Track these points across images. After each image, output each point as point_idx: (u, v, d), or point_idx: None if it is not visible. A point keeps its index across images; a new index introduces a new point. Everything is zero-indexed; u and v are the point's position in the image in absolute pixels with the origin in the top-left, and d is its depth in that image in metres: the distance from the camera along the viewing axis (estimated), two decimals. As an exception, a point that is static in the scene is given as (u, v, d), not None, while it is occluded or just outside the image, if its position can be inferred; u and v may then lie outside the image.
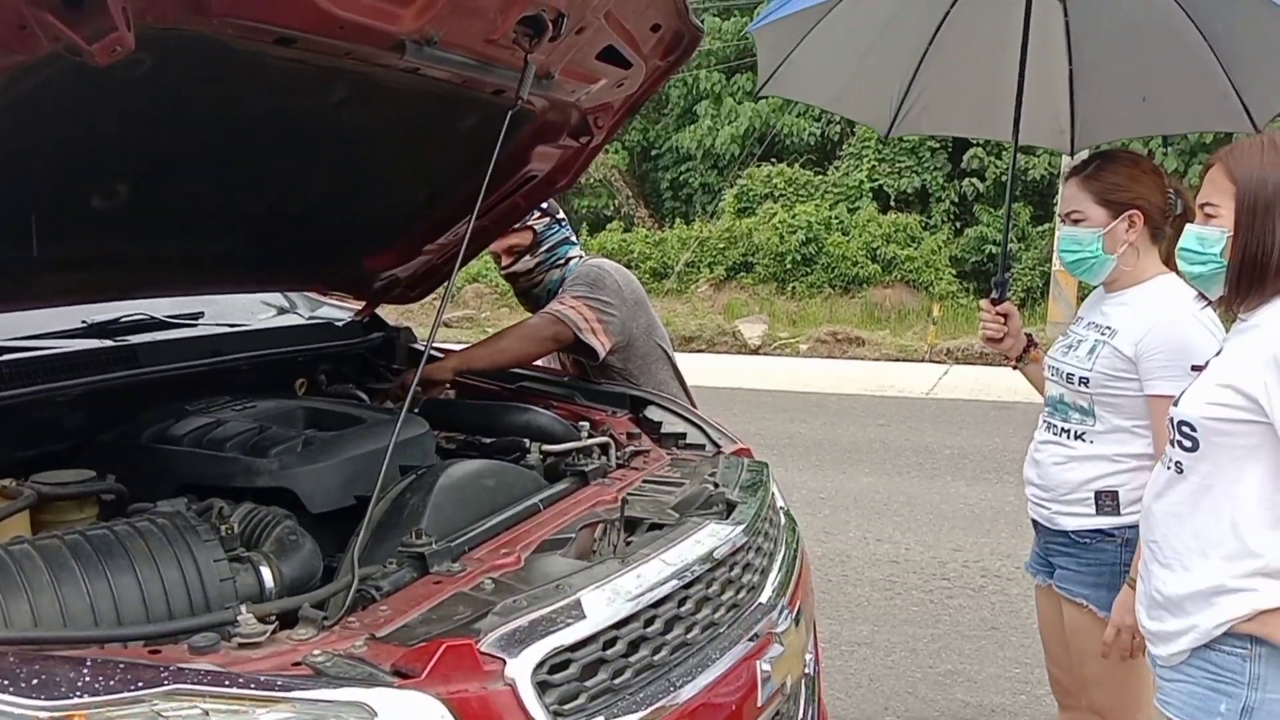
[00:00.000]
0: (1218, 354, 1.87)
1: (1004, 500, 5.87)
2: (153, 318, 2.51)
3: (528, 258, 3.10)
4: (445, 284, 2.14)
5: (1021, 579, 4.41)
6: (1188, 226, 1.91)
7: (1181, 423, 1.82)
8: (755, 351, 12.96)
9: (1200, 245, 1.84)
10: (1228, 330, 1.93)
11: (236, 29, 1.59)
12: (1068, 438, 2.41)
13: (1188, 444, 1.81)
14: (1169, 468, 1.87)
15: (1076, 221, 2.40)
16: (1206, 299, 1.99)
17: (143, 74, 1.57)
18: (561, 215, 3.19)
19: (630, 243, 16.37)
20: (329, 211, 2.46)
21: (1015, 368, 2.78)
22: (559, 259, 3.13)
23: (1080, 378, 2.36)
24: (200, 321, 2.65)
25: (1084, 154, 3.32)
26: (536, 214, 3.05)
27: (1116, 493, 2.33)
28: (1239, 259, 1.78)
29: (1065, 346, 2.46)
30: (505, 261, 3.12)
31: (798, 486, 6.09)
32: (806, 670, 2.09)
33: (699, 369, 11.24)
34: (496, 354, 2.91)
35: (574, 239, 3.23)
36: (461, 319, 14.53)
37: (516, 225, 3.00)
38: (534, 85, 2.10)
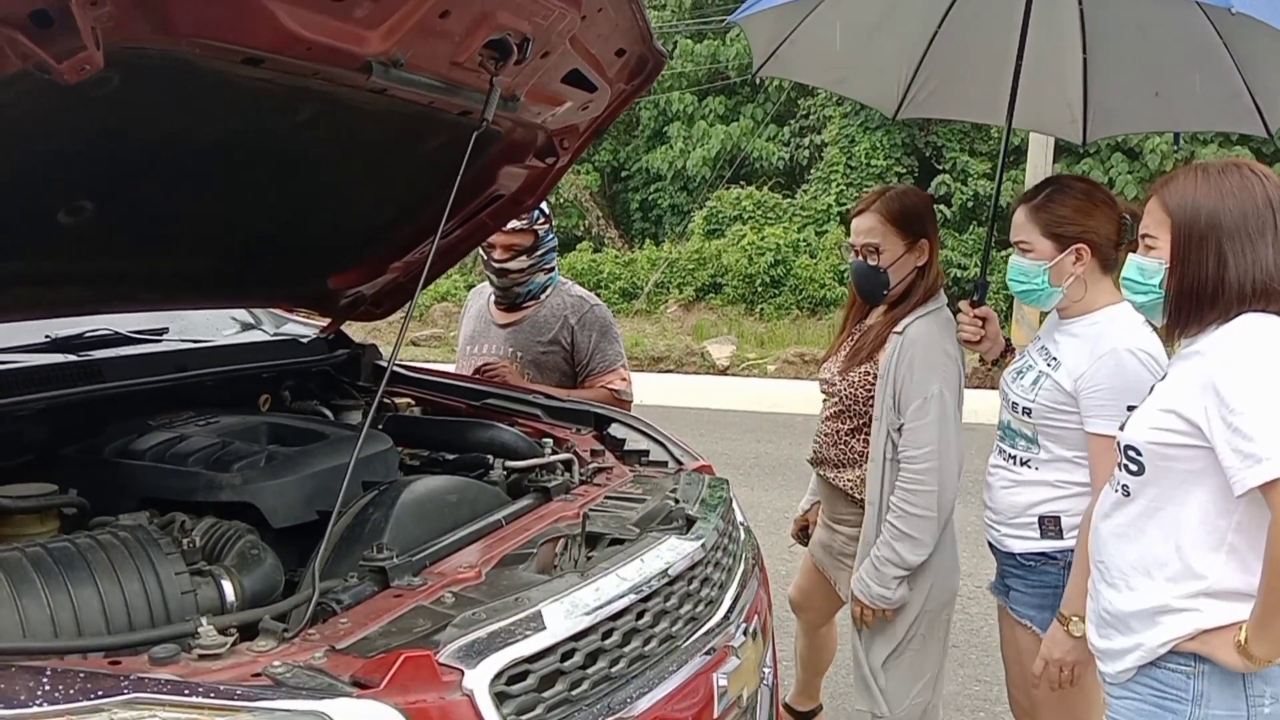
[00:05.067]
0: (1163, 378, 1.91)
1: (965, 520, 5.85)
2: (117, 333, 2.52)
3: (524, 258, 3.18)
4: (413, 302, 2.17)
5: (982, 598, 4.47)
6: (1130, 256, 1.94)
7: (1128, 447, 1.85)
8: (724, 372, 13.03)
9: (1141, 276, 1.88)
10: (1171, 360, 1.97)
11: (204, 49, 1.61)
12: (1014, 463, 2.46)
13: (1134, 468, 1.84)
14: (1116, 490, 1.90)
15: (1025, 252, 2.40)
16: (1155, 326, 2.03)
17: (111, 92, 1.59)
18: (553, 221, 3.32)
19: (600, 263, 16.43)
20: (295, 229, 2.48)
21: (991, 370, 2.81)
22: (547, 264, 3.26)
23: (1024, 408, 2.40)
24: (165, 337, 2.65)
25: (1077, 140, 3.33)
26: (540, 219, 3.15)
27: (1059, 517, 2.37)
28: (1176, 290, 1.81)
29: (1016, 371, 2.50)
30: (500, 256, 3.17)
31: (763, 506, 6.13)
32: (765, 682, 2.12)
33: (667, 389, 11.31)
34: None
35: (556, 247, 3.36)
36: (429, 338, 14.51)
37: (520, 226, 3.07)
38: (500, 107, 2.14)
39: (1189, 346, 1.84)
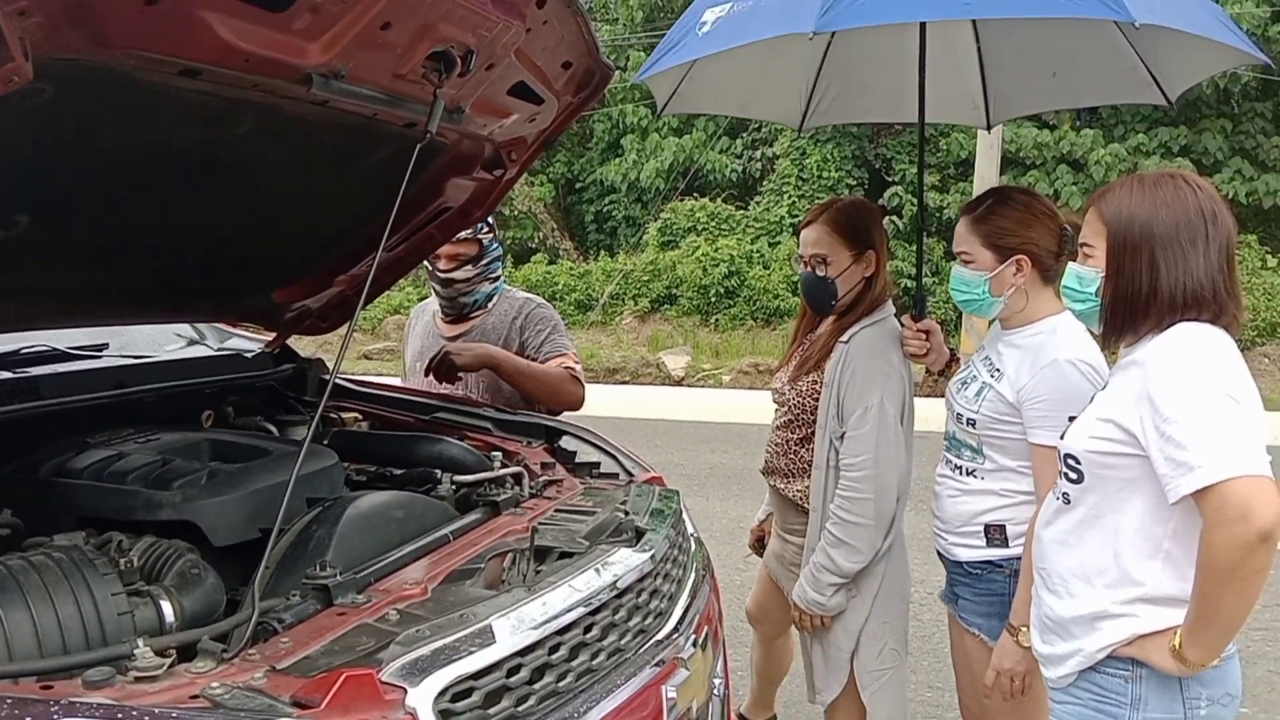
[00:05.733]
0: (1103, 388, 1.94)
1: (916, 527, 5.90)
2: (55, 349, 2.46)
3: (469, 267, 3.17)
4: (355, 317, 2.14)
5: (934, 605, 4.50)
6: (1069, 265, 1.97)
7: (1068, 455, 1.88)
8: (679, 383, 13.07)
9: (1079, 284, 1.91)
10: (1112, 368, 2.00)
11: (139, 60, 1.59)
12: (960, 473, 2.48)
13: (1074, 476, 1.87)
14: (1058, 498, 1.93)
15: (966, 263, 2.43)
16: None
17: (43, 103, 1.56)
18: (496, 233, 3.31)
19: (555, 275, 16.40)
20: (239, 242, 2.45)
21: (936, 380, 2.84)
22: (492, 273, 3.25)
23: (968, 419, 2.42)
24: (105, 353, 2.60)
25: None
26: (485, 228, 3.13)
27: (1004, 526, 2.40)
28: (1111, 298, 1.84)
29: (961, 381, 2.52)
30: (446, 266, 3.15)
31: (719, 516, 6.14)
32: (716, 693, 2.12)
33: (623, 401, 11.31)
34: (524, 373, 3.04)
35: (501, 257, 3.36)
36: (382, 351, 14.38)
37: (465, 235, 3.06)
38: (445, 119, 2.13)
39: (1128, 356, 1.86)
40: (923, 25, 2.85)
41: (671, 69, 2.89)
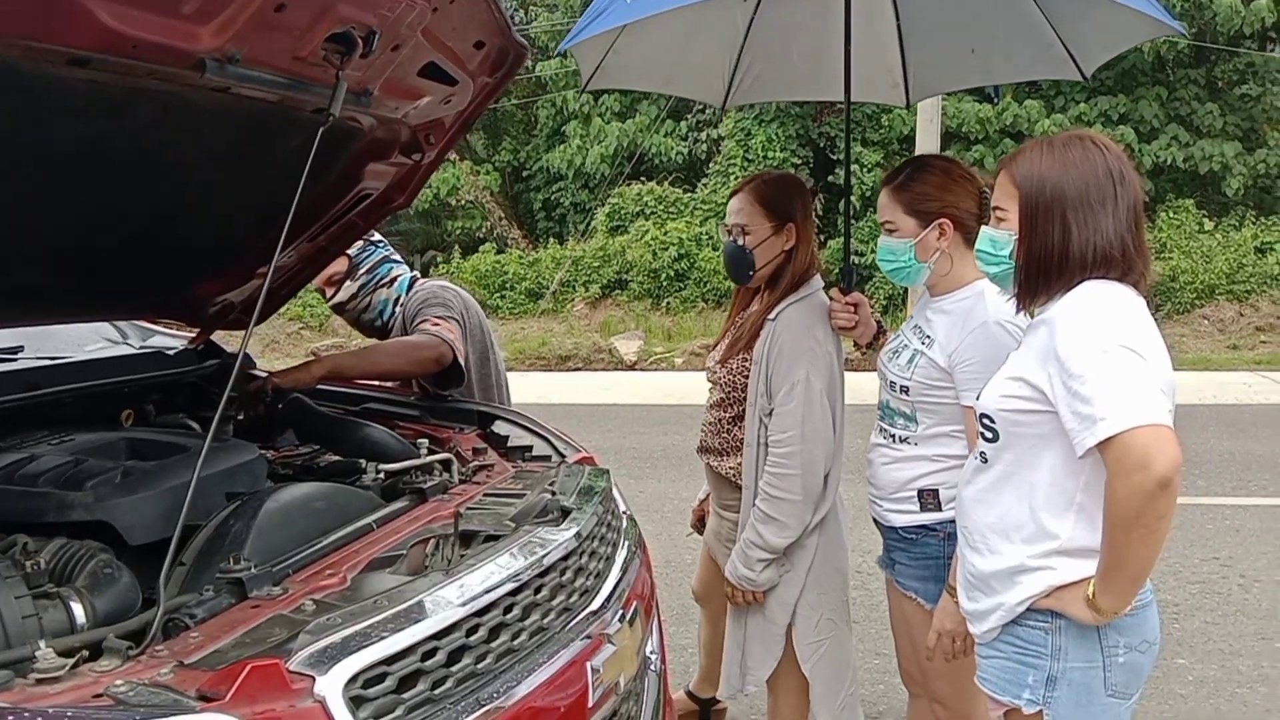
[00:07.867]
0: (1016, 348, 1.96)
1: (865, 498, 6.02)
2: (-37, 354, 2.40)
3: (349, 284, 3.10)
4: (258, 306, 2.10)
5: (879, 573, 4.54)
6: (983, 229, 1.99)
7: (983, 415, 1.91)
8: (632, 367, 13.06)
9: (993, 247, 1.93)
10: None
11: (21, 50, 1.54)
12: (894, 441, 2.51)
13: (989, 435, 1.90)
14: (976, 457, 1.96)
15: (890, 231, 2.46)
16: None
17: (-78, 97, 1.52)
18: (377, 237, 3.19)
19: (504, 264, 16.31)
20: (152, 237, 2.39)
21: (864, 354, 2.86)
22: (383, 278, 3.15)
23: (901, 386, 2.45)
24: (19, 355, 2.54)
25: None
26: None
27: (937, 490, 2.43)
28: (1024, 260, 1.86)
29: (892, 350, 2.55)
30: (329, 294, 3.08)
31: (670, 497, 6.15)
32: (652, 668, 2.12)
33: (576, 386, 11.30)
34: (369, 364, 2.87)
35: (396, 257, 3.22)
36: (331, 348, 14.23)
37: None
38: (353, 103, 2.09)
39: (1039, 315, 1.88)
40: (848, 7, 2.86)
41: (597, 39, 2.86)
